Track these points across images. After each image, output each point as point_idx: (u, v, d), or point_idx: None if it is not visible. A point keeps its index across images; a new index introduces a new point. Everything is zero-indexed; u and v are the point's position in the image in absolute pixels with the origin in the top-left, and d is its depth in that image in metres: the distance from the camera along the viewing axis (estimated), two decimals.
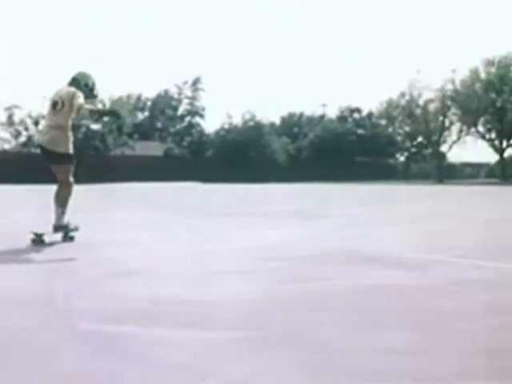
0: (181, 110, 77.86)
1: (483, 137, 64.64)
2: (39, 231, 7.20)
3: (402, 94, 66.35)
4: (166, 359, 2.81)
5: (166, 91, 78.46)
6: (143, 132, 69.29)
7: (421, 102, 65.35)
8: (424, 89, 63.64)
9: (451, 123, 65.53)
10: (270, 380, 2.56)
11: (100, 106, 7.51)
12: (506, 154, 66.06)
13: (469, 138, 65.38)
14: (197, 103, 77.22)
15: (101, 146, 52.73)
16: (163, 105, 77.26)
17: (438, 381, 2.53)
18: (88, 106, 7.47)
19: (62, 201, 7.42)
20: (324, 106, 75.35)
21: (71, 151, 7.48)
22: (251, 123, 63.53)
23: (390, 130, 72.89)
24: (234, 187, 32.26)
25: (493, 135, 64.36)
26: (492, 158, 69.32)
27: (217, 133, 65.40)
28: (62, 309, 3.86)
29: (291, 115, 77.23)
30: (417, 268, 5.48)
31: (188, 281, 4.88)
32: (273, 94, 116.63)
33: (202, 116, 76.62)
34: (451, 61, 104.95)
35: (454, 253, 6.46)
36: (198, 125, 75.17)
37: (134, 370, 2.65)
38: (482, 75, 63.27)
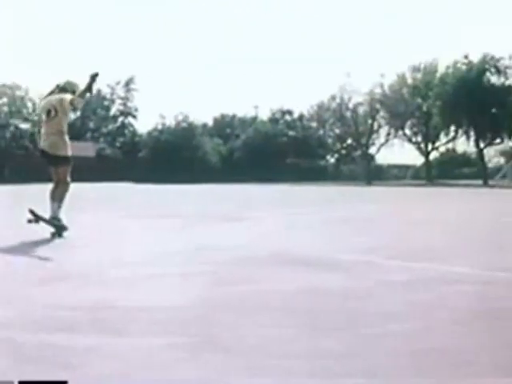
0: (113, 111, 77.08)
1: (410, 140, 66.39)
2: (38, 213, 8.09)
3: (333, 97, 67.49)
4: (94, 368, 2.73)
5: (99, 91, 77.60)
6: (75, 132, 68.27)
7: (351, 106, 66.64)
8: (354, 92, 64.95)
9: (379, 126, 67.06)
10: None
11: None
12: (431, 157, 68.20)
13: (396, 141, 67.14)
14: (130, 104, 76.72)
15: (30, 145, 51.79)
16: (95, 105, 76.36)
17: (372, 381, 2.59)
18: (76, 96, 8.41)
19: (58, 197, 8.23)
20: (256, 107, 75.85)
21: (69, 154, 8.50)
22: (184, 124, 63.50)
23: (321, 132, 74.08)
24: (165, 188, 31.26)
25: (419, 138, 66.19)
26: (418, 160, 71.37)
27: (149, 133, 65.11)
28: None
29: (223, 116, 77.52)
30: (346, 269, 5.51)
31: (116, 285, 4.75)
32: (206, 96, 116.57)
33: (134, 116, 76.10)
34: (380, 65, 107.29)
35: (382, 254, 6.58)
36: (131, 125, 74.72)
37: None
38: (409, 80, 65.03)
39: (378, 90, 64.29)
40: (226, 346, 3.10)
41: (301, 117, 73.54)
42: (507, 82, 53.60)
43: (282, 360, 2.86)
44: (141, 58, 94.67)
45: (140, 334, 3.36)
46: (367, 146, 67.11)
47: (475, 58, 53.66)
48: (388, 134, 67.00)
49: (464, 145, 60.17)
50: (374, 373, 2.69)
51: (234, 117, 77.14)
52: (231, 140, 68.37)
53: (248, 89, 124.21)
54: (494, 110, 51.62)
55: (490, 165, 69.78)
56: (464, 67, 53.83)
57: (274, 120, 72.07)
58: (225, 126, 74.52)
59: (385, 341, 3.19)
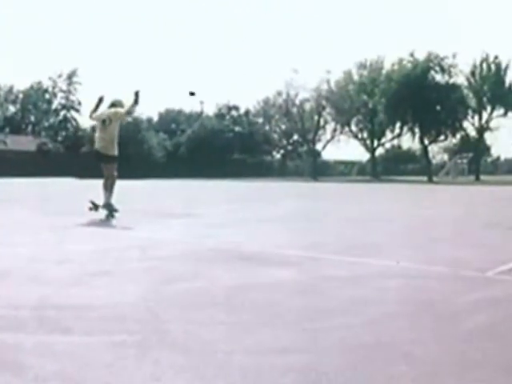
0: (55, 104, 75.37)
1: (356, 136, 67.12)
2: (96, 202, 10.61)
3: (279, 93, 67.68)
4: (37, 368, 2.66)
5: (39, 83, 75.78)
6: (15, 126, 66.76)
7: (297, 101, 66.89)
8: (300, 88, 65.16)
9: (326, 122, 67.60)
10: None
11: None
12: (376, 153, 68.94)
13: (342, 137, 67.73)
14: (72, 97, 75.05)
15: None
16: (36, 98, 74.60)
17: (322, 376, 2.57)
18: (126, 110, 11.18)
19: (109, 187, 10.65)
20: (202, 103, 75.41)
21: (116, 154, 10.91)
22: (128, 119, 62.58)
23: (267, 127, 74.18)
24: None
25: (364, 135, 66.99)
26: (363, 156, 72.10)
27: (93, 128, 63.92)
28: None
29: (169, 111, 76.81)
30: (293, 265, 5.53)
31: (59, 284, 4.61)
32: (151, 90, 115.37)
33: (77, 110, 74.48)
34: (327, 62, 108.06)
35: (327, 249, 6.63)
36: (74, 119, 73.12)
37: (3, 381, 2.50)
38: (355, 77, 65.62)
39: (324, 87, 64.73)
40: (173, 343, 3.08)
41: (247, 112, 73.48)
42: (451, 81, 54.44)
43: (228, 356, 2.85)
44: (84, 50, 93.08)
45: (87, 332, 3.29)
46: (313, 142, 67.46)
47: (420, 55, 54.33)
48: (334, 131, 67.61)
49: (409, 141, 61.00)
50: (316, 368, 2.71)
51: (179, 112, 76.47)
52: (177, 135, 67.72)
53: (194, 84, 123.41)
54: (438, 108, 52.42)
55: (434, 161, 71.09)
56: (409, 65, 54.48)
57: (219, 115, 71.78)
58: (170, 121, 73.86)
59: (329, 335, 3.22)
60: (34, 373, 2.61)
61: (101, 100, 11.22)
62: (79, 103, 74.61)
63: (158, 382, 2.54)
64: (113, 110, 10.98)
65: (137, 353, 2.89)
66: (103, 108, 11.26)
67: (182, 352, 2.92)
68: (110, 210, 10.45)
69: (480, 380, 2.59)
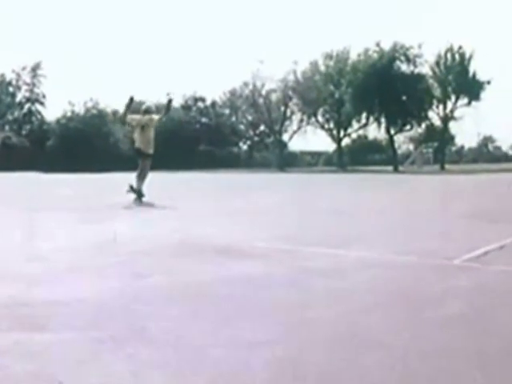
0: (19, 97, 74.17)
1: (322, 126, 67.25)
2: (134, 187, 12.86)
3: (246, 84, 67.43)
4: (11, 367, 2.63)
5: (2, 76, 74.52)
6: None
7: (263, 92, 66.75)
8: (267, 79, 65.03)
9: (292, 113, 67.57)
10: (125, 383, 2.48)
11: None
12: (343, 143, 69.24)
13: (309, 128, 67.80)
14: (37, 90, 73.93)
15: None
16: None
17: (299, 368, 2.60)
18: (160, 116, 14.51)
19: (142, 178, 13.16)
20: (168, 94, 74.77)
21: (152, 152, 13.65)
22: (94, 111, 61.89)
23: (234, 119, 74.01)
24: (76, 178, 30.20)
25: (331, 125, 67.14)
26: (330, 146, 72.34)
27: (58, 121, 62.95)
28: None
29: (135, 103, 76.08)
30: (263, 257, 5.54)
31: (29, 280, 4.55)
32: (116, 82, 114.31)
33: (42, 103, 73.38)
34: (293, 53, 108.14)
35: (300, 241, 6.65)
36: (39, 112, 72.02)
37: None
38: (322, 68, 65.75)
39: (291, 77, 64.61)
40: (149, 338, 3.06)
41: (213, 104, 73.13)
42: (416, 71, 54.94)
43: (204, 350, 2.85)
44: (48, 42, 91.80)
45: (61, 329, 3.26)
46: (280, 133, 67.48)
47: (386, 46, 54.71)
48: (301, 121, 67.62)
49: (375, 131, 61.39)
50: (293, 360, 2.73)
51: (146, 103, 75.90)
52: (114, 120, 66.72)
53: (160, 75, 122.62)
54: (403, 98, 52.85)
55: (399, 151, 71.75)
56: (375, 55, 54.81)
57: (186, 107, 71.30)
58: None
59: (305, 327, 3.25)
60: (7, 372, 2.59)
61: (131, 100, 13.81)
62: (44, 96, 73.51)
63: (134, 378, 2.53)
64: (148, 117, 13.83)
65: (112, 349, 2.88)
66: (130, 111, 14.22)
67: (157, 347, 2.91)
68: (140, 195, 12.83)
69: (452, 365, 2.64)
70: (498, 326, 3.33)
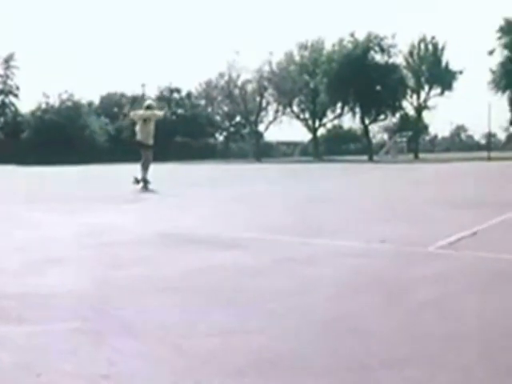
0: None
1: (298, 117, 67.45)
2: (138, 178, 14.34)
3: (221, 75, 67.33)
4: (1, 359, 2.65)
5: None
6: None
7: (239, 83, 66.73)
8: (242, 70, 65.02)
9: (268, 103, 67.68)
10: (110, 373, 2.49)
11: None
12: (318, 133, 69.49)
13: (284, 118, 67.95)
14: (10, 82, 73.03)
15: None
16: None
17: (279, 356, 2.63)
18: (162, 113, 17.81)
19: (146, 167, 14.57)
20: (143, 85, 74.44)
21: (152, 143, 15.19)
22: (69, 103, 61.37)
23: (210, 110, 73.89)
24: (51, 170, 29.46)
25: (306, 115, 67.37)
26: (306, 136, 72.60)
27: (33, 113, 62.34)
28: None
29: (110, 95, 75.65)
30: (243, 247, 5.58)
31: (8, 273, 4.56)
32: (91, 74, 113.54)
33: (16, 95, 72.45)
34: (268, 43, 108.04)
35: (280, 231, 6.71)
36: (13, 104, 71.16)
37: None
38: (297, 58, 65.87)
39: (266, 68, 64.63)
40: (128, 328, 3.08)
41: (189, 95, 72.91)
42: (390, 61, 55.27)
43: (184, 340, 2.89)
44: (21, 33, 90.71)
45: (42, 320, 3.26)
46: (256, 124, 67.57)
47: (360, 36, 54.94)
48: (276, 112, 67.77)
49: (350, 121, 61.72)
50: (273, 348, 2.79)
51: (121, 95, 75.35)
52: (119, 119, 66.77)
53: (135, 66, 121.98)
54: (378, 88, 53.17)
55: (374, 141, 72.17)
56: (350, 45, 55.02)
57: (161, 98, 70.98)
58: (112, 105, 72.68)
59: (284, 316, 3.29)
60: None
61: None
62: (17, 88, 72.62)
63: (115, 368, 2.54)
64: (150, 112, 15.46)
65: (92, 339, 2.90)
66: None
67: (137, 337, 2.93)
68: (146, 183, 14.28)
69: (427, 349, 2.71)
70: (468, 310, 3.41)
